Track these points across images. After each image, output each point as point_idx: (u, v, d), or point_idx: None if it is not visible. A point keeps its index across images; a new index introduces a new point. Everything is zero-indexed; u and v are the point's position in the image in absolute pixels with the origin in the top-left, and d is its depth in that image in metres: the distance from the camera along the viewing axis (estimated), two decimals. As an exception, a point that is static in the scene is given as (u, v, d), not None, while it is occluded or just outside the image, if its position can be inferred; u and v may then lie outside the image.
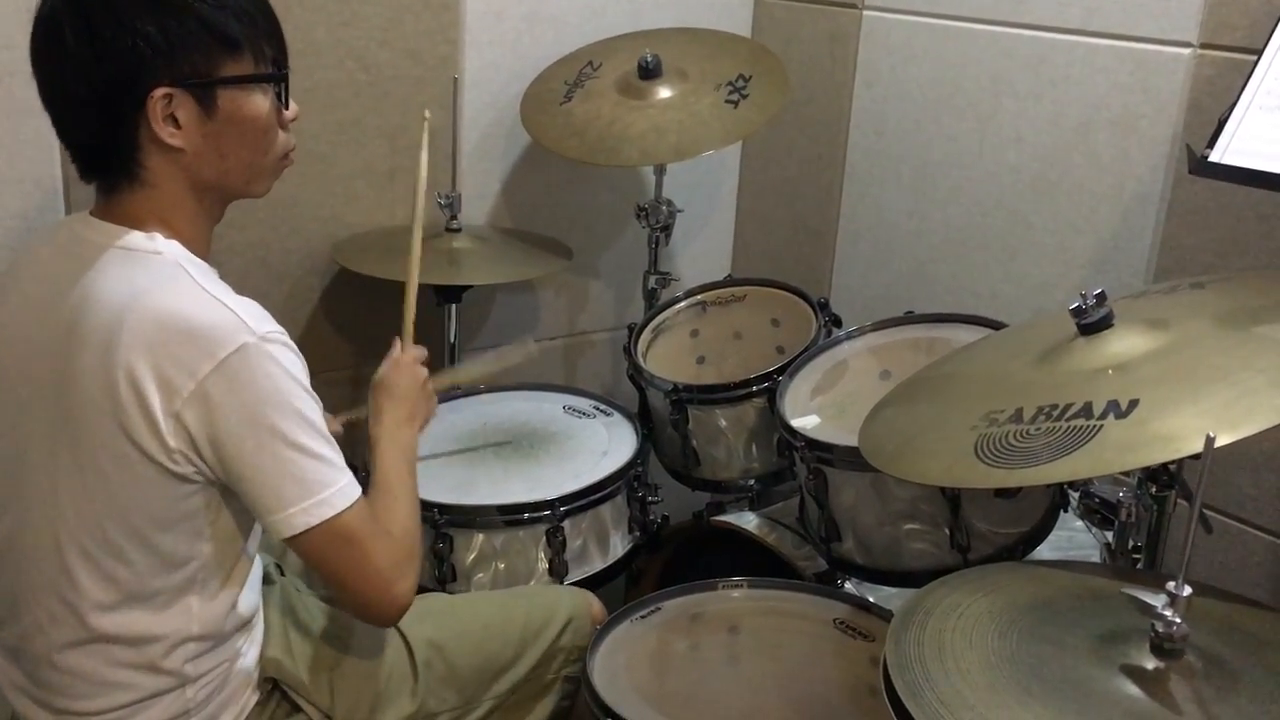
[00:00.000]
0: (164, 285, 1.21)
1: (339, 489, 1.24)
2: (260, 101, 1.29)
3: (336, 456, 1.26)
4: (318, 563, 1.28)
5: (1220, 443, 1.03)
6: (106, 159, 1.26)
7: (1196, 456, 1.00)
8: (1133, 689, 0.98)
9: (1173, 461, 1.29)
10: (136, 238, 1.25)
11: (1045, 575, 1.21)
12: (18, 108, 1.75)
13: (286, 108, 1.33)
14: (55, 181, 1.84)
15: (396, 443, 1.47)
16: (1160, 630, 0.98)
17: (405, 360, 1.56)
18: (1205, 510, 1.40)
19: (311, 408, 1.24)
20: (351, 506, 1.25)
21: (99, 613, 1.25)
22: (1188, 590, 0.96)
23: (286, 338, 1.24)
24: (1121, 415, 1.13)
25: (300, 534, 1.23)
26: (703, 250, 2.60)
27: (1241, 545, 1.77)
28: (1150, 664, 1.00)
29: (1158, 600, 0.97)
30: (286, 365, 1.22)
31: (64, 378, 1.22)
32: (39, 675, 1.29)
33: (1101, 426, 1.13)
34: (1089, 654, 1.03)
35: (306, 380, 1.25)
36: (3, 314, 1.32)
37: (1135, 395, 1.15)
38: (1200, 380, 1.16)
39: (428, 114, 1.70)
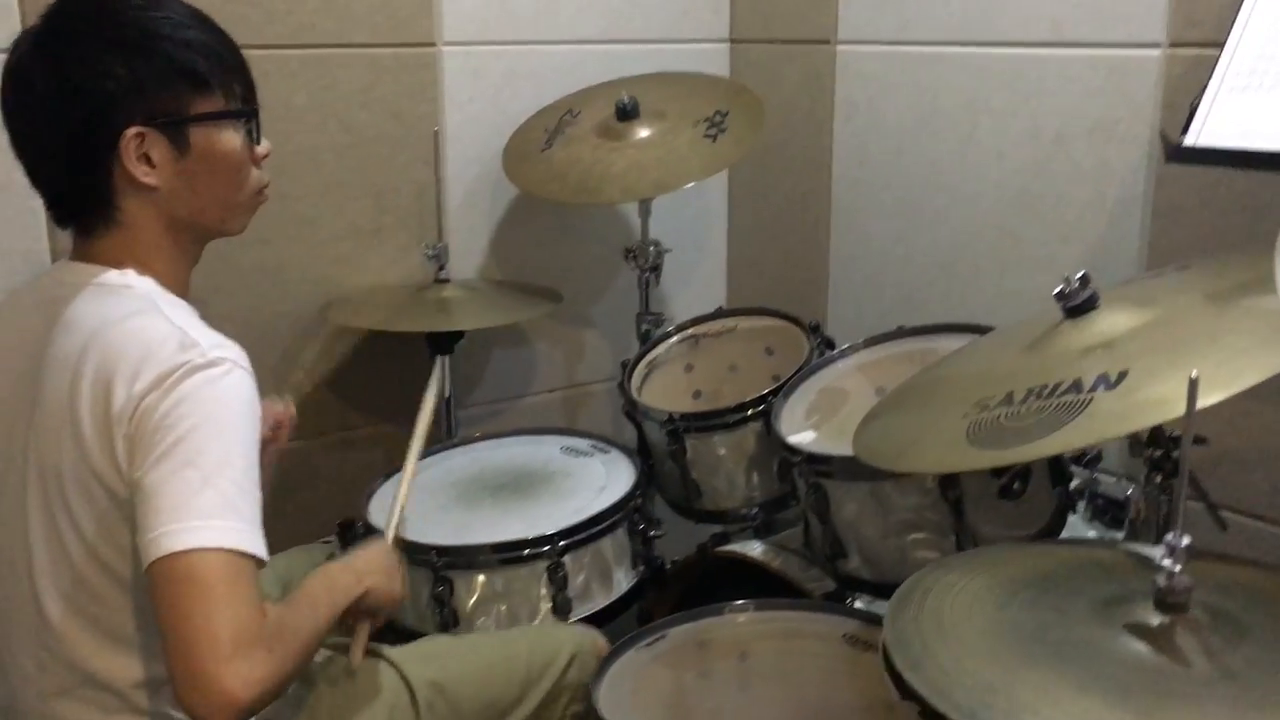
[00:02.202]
0: (131, 315, 1.21)
1: (220, 526, 1.10)
2: (232, 138, 1.30)
3: (241, 501, 1.13)
4: (163, 606, 1.09)
5: (1212, 400, 1.01)
6: (81, 202, 1.27)
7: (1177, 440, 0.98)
8: (1139, 645, 0.94)
9: (1172, 438, 1.27)
10: (110, 274, 1.26)
11: (1043, 550, 1.19)
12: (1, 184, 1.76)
13: (258, 144, 1.34)
14: (43, 255, 1.85)
15: (330, 575, 1.33)
16: (1162, 584, 0.95)
17: (387, 546, 1.48)
18: (1219, 510, 1.38)
19: (240, 443, 1.16)
20: (222, 550, 1.09)
21: (83, 657, 1.22)
22: (1186, 540, 0.93)
23: (240, 372, 1.19)
24: (1111, 386, 1.12)
25: (157, 560, 1.08)
26: (696, 294, 2.59)
27: (1259, 543, 1.73)
28: (1155, 620, 0.96)
29: (1156, 552, 0.94)
30: (228, 395, 1.16)
31: (34, 412, 1.22)
32: None
33: (1091, 399, 1.12)
34: (1092, 617, 1.00)
35: (251, 418, 1.18)
36: None
37: (1124, 367, 1.14)
38: (1188, 347, 1.14)
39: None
